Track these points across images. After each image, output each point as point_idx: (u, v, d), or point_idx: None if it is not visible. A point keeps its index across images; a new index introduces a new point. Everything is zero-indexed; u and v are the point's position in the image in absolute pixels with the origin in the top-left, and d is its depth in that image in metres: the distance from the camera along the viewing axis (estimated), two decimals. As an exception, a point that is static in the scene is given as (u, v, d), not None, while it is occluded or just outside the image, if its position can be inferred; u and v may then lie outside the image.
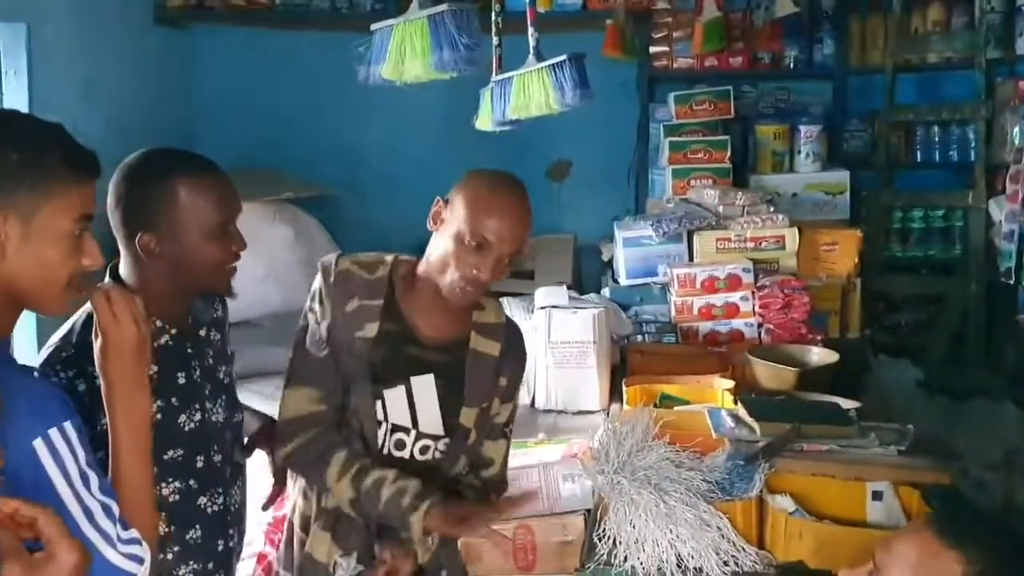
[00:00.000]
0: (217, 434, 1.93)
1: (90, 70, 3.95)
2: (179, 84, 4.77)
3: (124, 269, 1.86)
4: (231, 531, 1.97)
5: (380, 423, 2.02)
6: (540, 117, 4.66)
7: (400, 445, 2.04)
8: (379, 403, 2.01)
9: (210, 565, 1.91)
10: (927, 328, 4.54)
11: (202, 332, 1.93)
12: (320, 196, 4.52)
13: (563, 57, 2.45)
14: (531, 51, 2.58)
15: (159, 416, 1.78)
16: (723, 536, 1.91)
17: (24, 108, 3.52)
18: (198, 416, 1.88)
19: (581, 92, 2.44)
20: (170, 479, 1.83)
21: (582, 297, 3.77)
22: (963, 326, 4.34)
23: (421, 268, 2.03)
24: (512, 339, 2.12)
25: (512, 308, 3.74)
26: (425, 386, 2.03)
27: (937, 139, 4.72)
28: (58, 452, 1.37)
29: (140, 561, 1.46)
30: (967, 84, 4.42)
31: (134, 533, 1.47)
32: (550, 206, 5.04)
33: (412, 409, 2.03)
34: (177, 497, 1.84)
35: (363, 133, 4.86)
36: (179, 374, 1.86)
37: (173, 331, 1.86)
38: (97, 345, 1.53)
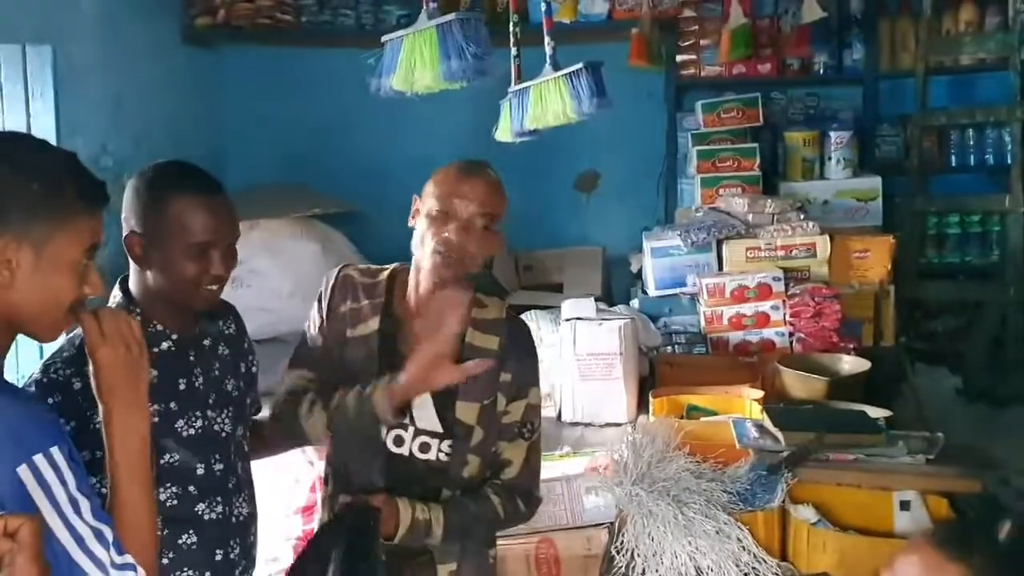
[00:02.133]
0: (221, 444, 1.94)
1: (118, 90, 3.99)
2: (207, 103, 4.81)
3: (131, 276, 1.91)
4: (232, 542, 1.95)
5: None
6: (567, 129, 4.65)
7: (399, 441, 2.05)
8: None
9: (207, 574, 1.89)
10: (964, 335, 4.44)
11: (207, 342, 1.95)
12: (347, 212, 4.53)
13: (579, 65, 2.44)
14: (548, 60, 2.57)
15: (156, 420, 1.77)
16: (743, 548, 1.87)
17: (51, 130, 3.56)
18: (199, 423, 1.89)
19: (598, 101, 2.42)
20: (167, 484, 1.84)
21: (610, 309, 3.74)
22: (1002, 332, 4.24)
23: (413, 268, 2.08)
24: (515, 335, 2.12)
25: (539, 321, 3.72)
26: None
27: (971, 143, 4.61)
28: (44, 479, 1.35)
29: None
30: (1001, 86, 4.32)
31: (128, 559, 1.44)
32: (578, 218, 5.02)
33: (408, 405, 2.03)
34: (174, 502, 1.85)
35: (389, 149, 4.86)
36: (180, 380, 1.88)
37: (174, 336, 1.89)
38: (90, 368, 1.53)
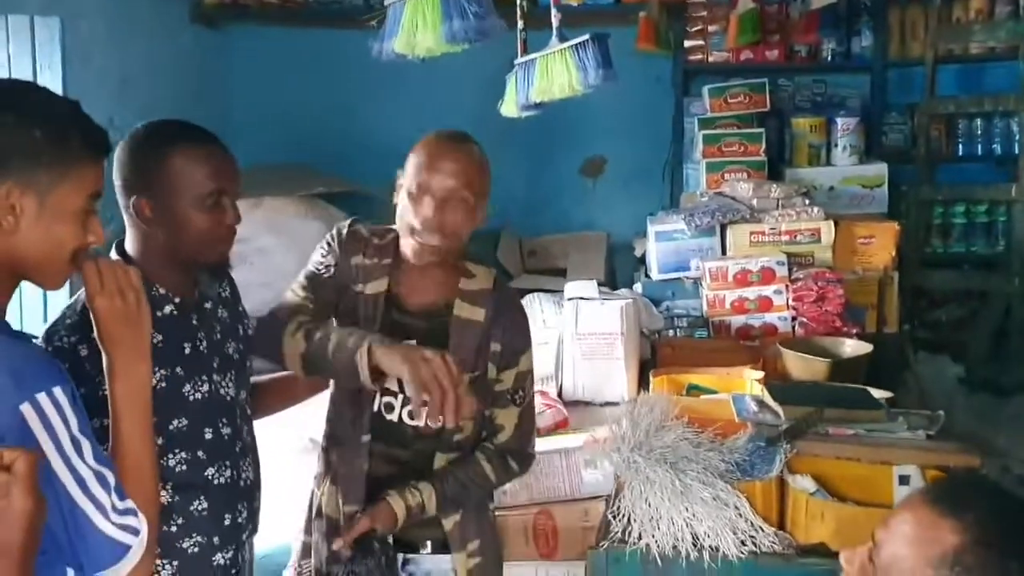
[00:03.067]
0: (227, 408, 1.92)
1: (125, 66, 4.00)
2: (213, 81, 4.81)
3: (128, 241, 1.86)
4: (239, 506, 1.94)
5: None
6: (573, 114, 4.68)
7: (389, 408, 2.06)
8: None
9: (216, 539, 1.87)
10: (968, 324, 4.44)
11: (208, 305, 1.92)
12: (352, 192, 4.53)
13: (585, 37, 2.42)
14: (554, 32, 2.55)
15: (164, 385, 1.77)
16: (741, 516, 1.86)
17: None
18: (205, 387, 1.86)
19: (604, 72, 2.40)
20: (176, 450, 1.81)
21: (613, 292, 3.73)
22: (1006, 322, 4.23)
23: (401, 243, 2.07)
24: (503, 306, 2.10)
25: (543, 303, 3.71)
26: None
27: (979, 132, 4.61)
28: (47, 417, 1.35)
29: (135, 532, 1.44)
30: (1011, 75, 4.32)
31: (130, 504, 1.44)
32: (583, 203, 5.02)
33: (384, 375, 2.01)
34: (184, 468, 1.82)
35: (395, 129, 4.83)
36: (185, 344, 1.84)
37: (177, 300, 1.85)
38: (92, 316, 1.53)
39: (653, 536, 1.84)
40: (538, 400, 2.64)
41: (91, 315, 1.54)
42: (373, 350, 1.83)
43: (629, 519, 1.88)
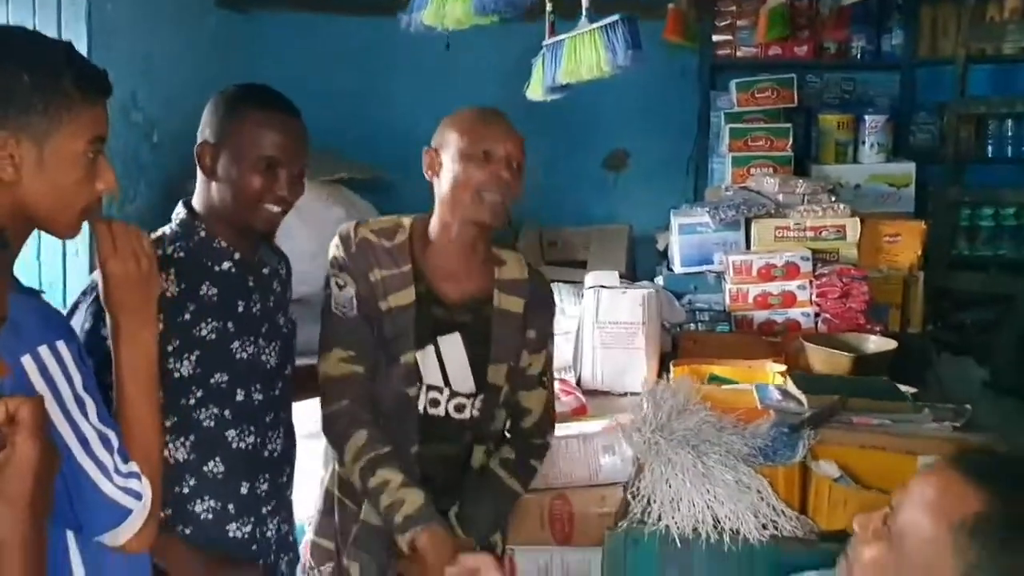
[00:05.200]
0: (265, 374, 1.91)
1: (151, 48, 3.99)
2: (239, 65, 4.78)
3: (196, 194, 1.91)
4: (260, 477, 1.90)
5: (416, 383, 2.03)
6: (597, 106, 4.65)
7: (435, 403, 2.05)
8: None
9: (230, 507, 1.85)
10: (994, 327, 4.37)
11: (266, 271, 1.94)
12: (374, 178, 4.52)
13: (615, 17, 2.39)
14: (583, 13, 2.53)
15: (213, 337, 1.81)
16: (763, 499, 1.83)
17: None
18: (251, 349, 1.87)
19: (633, 53, 2.37)
20: (210, 405, 1.81)
21: (634, 284, 3.70)
22: (1032, 326, 4.16)
23: (433, 224, 2.05)
24: (538, 292, 2.13)
25: (562, 294, 3.68)
26: (453, 345, 2.04)
27: (1010, 133, 4.54)
28: (48, 371, 1.32)
29: (138, 496, 1.41)
30: (1044, 76, 4.27)
31: (134, 467, 1.41)
32: (606, 196, 4.99)
33: (443, 368, 2.04)
34: (211, 423, 1.82)
35: (417, 117, 4.83)
36: (239, 302, 1.87)
37: (236, 256, 1.88)
38: (99, 278, 1.51)
39: (673, 518, 1.80)
40: (556, 387, 2.63)
41: (101, 278, 1.52)
42: (417, 539, 1.84)
43: (649, 501, 1.85)
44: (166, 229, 1.89)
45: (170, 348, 1.76)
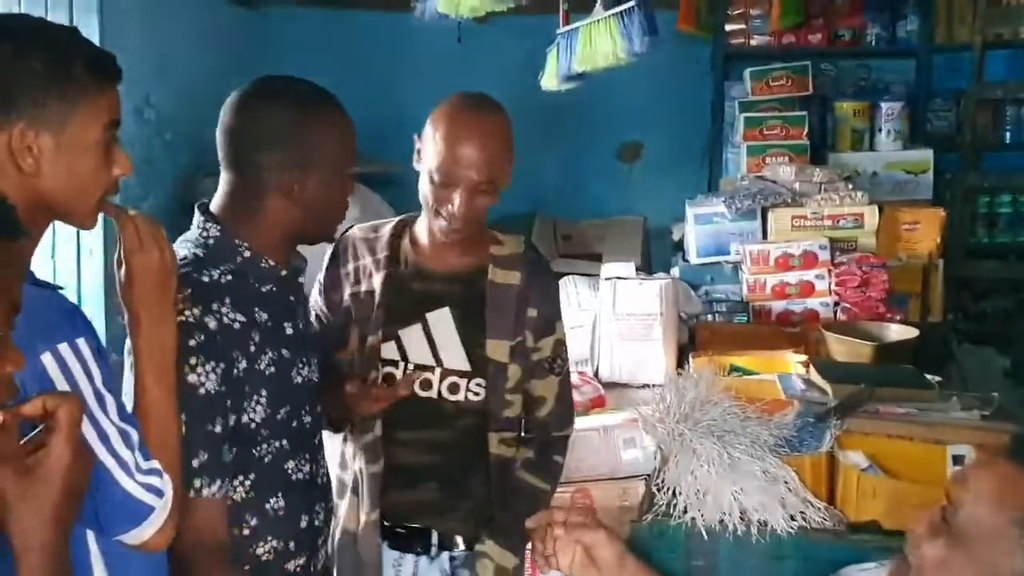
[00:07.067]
0: (313, 394, 1.74)
1: (163, 44, 3.98)
2: (252, 61, 4.77)
3: (232, 208, 1.66)
4: (317, 507, 1.75)
5: (396, 363, 1.98)
6: (611, 98, 4.62)
7: (426, 385, 1.98)
8: (394, 344, 1.98)
9: (291, 544, 1.68)
10: (1014, 316, 4.33)
11: (301, 279, 1.75)
12: (386, 172, 4.50)
13: (631, 3, 2.37)
14: (599, 1, 2.50)
15: (272, 370, 1.61)
16: (790, 490, 1.80)
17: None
18: (305, 371, 1.70)
19: (650, 40, 2.35)
20: (272, 439, 1.62)
21: (650, 276, 3.67)
22: (1053, 313, 4.14)
23: (421, 216, 2.01)
24: (536, 270, 2.06)
25: (578, 286, 3.66)
26: (442, 320, 1.98)
27: (1028, 119, 4.51)
28: (68, 368, 1.28)
29: (160, 494, 1.37)
30: (1062, 60, 4.22)
31: (155, 464, 1.38)
32: (620, 189, 4.98)
33: (432, 346, 1.98)
34: (269, 459, 1.62)
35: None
36: (286, 324, 1.67)
37: (283, 273, 1.67)
38: (121, 273, 1.47)
39: (699, 510, 1.78)
40: (575, 377, 2.60)
41: (122, 272, 1.47)
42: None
43: (674, 492, 1.82)
44: (192, 247, 1.63)
45: (246, 390, 1.58)
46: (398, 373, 1.97)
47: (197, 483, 1.52)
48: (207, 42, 4.36)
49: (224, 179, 1.69)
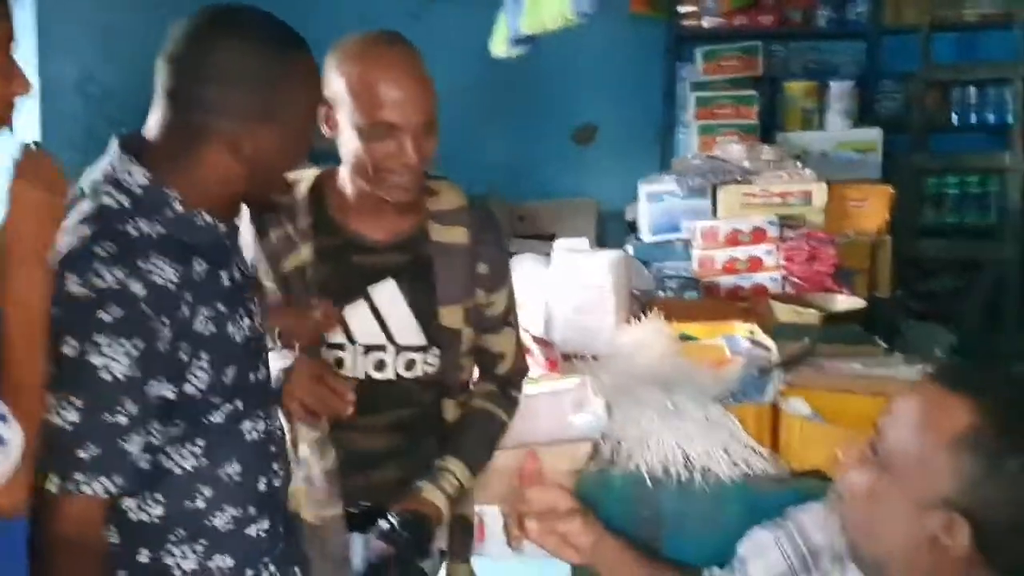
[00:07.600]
0: (258, 346, 1.56)
1: (108, 15, 3.89)
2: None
3: (149, 143, 1.43)
4: (275, 465, 1.58)
5: (343, 346, 1.84)
6: (564, 80, 4.62)
7: (380, 366, 1.84)
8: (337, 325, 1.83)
9: (252, 509, 1.53)
10: (961, 294, 4.40)
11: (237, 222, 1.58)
12: (325, 154, 4.46)
13: (577, -37, 2.36)
14: (545, -38, 2.49)
15: (213, 328, 1.42)
16: (734, 437, 1.80)
17: (32, 51, 3.44)
18: (246, 323, 1.50)
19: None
20: (224, 404, 1.46)
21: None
22: (999, 291, 4.19)
23: (342, 174, 1.80)
24: (484, 222, 1.89)
25: (532, 263, 3.65)
26: (387, 293, 1.83)
27: (973, 101, 4.57)
28: None
29: (1, 441, 1.21)
30: (1006, 43, 4.28)
31: (2, 409, 1.22)
32: (574, 170, 4.98)
33: (381, 323, 1.83)
34: (220, 424, 1.46)
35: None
36: (222, 273, 1.47)
37: (223, 229, 1.47)
38: (9, 202, 1.33)
39: (643, 457, 1.77)
40: (531, 344, 2.57)
41: (8, 201, 1.32)
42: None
43: (619, 441, 1.81)
44: (116, 193, 1.40)
45: (183, 358, 1.39)
46: (347, 356, 1.83)
47: (78, 477, 1.32)
48: (154, 15, 4.28)
49: (157, 112, 1.42)
